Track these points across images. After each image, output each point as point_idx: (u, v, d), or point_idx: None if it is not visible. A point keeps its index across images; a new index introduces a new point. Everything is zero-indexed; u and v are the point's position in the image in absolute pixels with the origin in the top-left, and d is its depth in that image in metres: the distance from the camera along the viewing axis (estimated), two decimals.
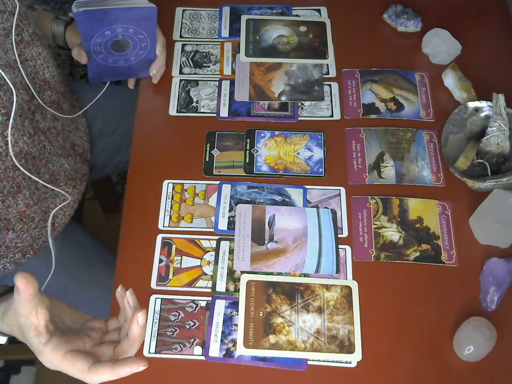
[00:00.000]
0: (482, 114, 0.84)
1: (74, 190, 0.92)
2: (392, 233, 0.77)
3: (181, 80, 0.91)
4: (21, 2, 0.73)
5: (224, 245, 0.76)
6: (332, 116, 0.88)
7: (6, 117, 0.69)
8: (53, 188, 0.79)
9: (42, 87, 0.81)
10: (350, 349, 0.69)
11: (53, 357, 0.52)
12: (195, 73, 0.92)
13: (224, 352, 0.69)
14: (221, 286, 0.73)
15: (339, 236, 0.77)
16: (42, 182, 0.76)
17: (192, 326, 0.70)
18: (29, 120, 0.75)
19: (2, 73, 0.69)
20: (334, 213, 0.78)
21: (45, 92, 0.81)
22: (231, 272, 0.74)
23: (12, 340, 0.59)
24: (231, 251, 0.75)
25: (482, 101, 0.84)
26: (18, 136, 0.72)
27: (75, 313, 0.58)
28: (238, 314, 0.71)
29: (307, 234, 0.77)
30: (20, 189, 0.75)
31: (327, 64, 0.93)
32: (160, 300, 0.72)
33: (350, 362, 0.68)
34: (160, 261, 0.75)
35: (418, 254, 0.75)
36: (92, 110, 0.97)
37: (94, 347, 0.55)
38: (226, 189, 0.81)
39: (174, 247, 0.76)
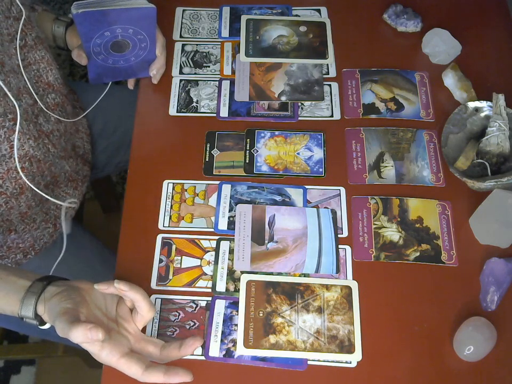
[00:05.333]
0: (482, 114, 0.84)
1: (76, 191, 0.92)
2: (392, 233, 0.77)
3: (181, 80, 0.91)
4: (24, 6, 0.73)
5: (224, 245, 0.76)
6: (332, 116, 0.88)
7: (13, 122, 0.70)
8: (50, 198, 0.79)
9: (46, 90, 0.81)
10: (350, 349, 0.69)
11: (109, 361, 0.59)
12: (195, 73, 0.92)
13: (224, 352, 0.69)
14: (221, 286, 0.73)
15: (339, 236, 0.77)
16: (39, 191, 0.76)
17: (192, 326, 0.70)
18: (33, 123, 0.75)
19: (10, 79, 0.69)
20: (334, 213, 0.78)
21: (49, 95, 0.81)
22: (231, 272, 0.74)
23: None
24: (231, 251, 0.75)
25: (482, 101, 0.84)
26: (24, 140, 0.72)
27: (105, 298, 0.66)
28: (238, 314, 0.71)
29: (307, 234, 0.77)
30: (23, 190, 0.75)
31: (327, 64, 0.93)
32: (160, 300, 0.72)
33: (350, 362, 0.68)
34: (160, 261, 0.75)
35: (418, 254, 0.75)
36: (92, 111, 0.97)
37: (138, 342, 0.64)
38: (226, 189, 0.81)
39: (174, 247, 0.76)
